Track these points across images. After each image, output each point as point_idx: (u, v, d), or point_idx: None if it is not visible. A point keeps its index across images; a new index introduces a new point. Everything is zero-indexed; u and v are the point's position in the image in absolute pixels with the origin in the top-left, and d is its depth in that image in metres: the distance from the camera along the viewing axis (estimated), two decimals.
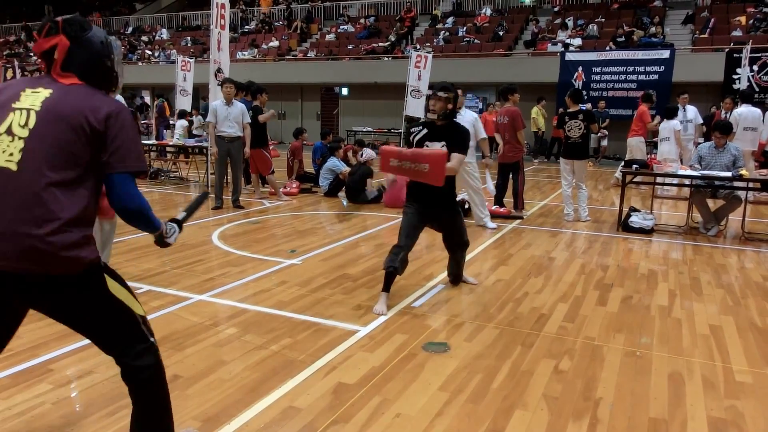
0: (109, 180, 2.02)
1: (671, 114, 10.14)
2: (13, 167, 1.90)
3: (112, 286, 2.13)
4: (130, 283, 2.27)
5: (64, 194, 1.93)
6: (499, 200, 8.27)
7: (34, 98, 1.99)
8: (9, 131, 1.95)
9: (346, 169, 9.65)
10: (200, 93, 14.11)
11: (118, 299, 2.13)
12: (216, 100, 8.72)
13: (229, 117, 8.15)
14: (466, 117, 6.95)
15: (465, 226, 4.74)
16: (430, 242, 6.39)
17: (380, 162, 4.52)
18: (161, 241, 2.31)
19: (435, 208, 4.48)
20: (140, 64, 24.69)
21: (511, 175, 8.15)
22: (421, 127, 4.48)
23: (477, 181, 7.30)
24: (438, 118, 4.37)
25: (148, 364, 2.19)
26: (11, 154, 1.92)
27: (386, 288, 4.35)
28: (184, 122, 12.43)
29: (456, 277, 4.96)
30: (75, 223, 1.95)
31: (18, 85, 2.07)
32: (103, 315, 2.11)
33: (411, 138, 4.50)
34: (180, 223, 2.40)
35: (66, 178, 1.94)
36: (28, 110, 1.97)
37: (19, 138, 1.93)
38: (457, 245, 4.73)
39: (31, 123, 1.94)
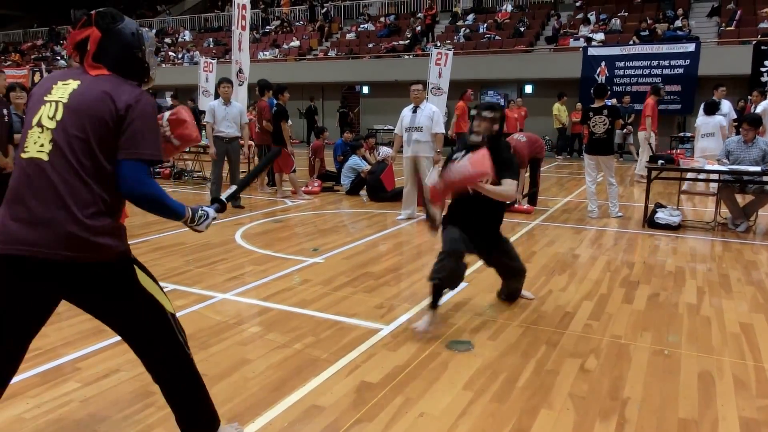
0: (119, 165, 2.01)
1: (712, 109, 9.71)
2: (45, 157, 1.98)
3: (143, 278, 2.17)
4: None
5: (94, 182, 1.99)
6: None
7: (63, 90, 2.05)
8: (39, 123, 2.03)
9: (367, 167, 9.66)
10: None
11: (148, 291, 2.17)
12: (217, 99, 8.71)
13: (228, 117, 8.16)
14: (426, 110, 7.33)
15: (516, 253, 4.29)
16: None
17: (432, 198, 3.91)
18: (192, 228, 2.30)
19: (480, 241, 4.06)
20: (164, 66, 24.96)
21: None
22: (464, 152, 3.91)
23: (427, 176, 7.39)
24: (482, 141, 3.88)
25: (177, 367, 2.25)
26: (42, 145, 2.00)
27: (433, 304, 3.90)
28: None
29: (509, 296, 4.49)
30: (105, 210, 2.02)
31: (53, 78, 2.13)
32: (132, 306, 2.15)
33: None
34: (222, 203, 2.41)
35: (93, 165, 1.99)
36: (57, 102, 2.03)
37: (48, 129, 2.00)
38: (510, 274, 4.30)
39: (59, 115, 2.01)
